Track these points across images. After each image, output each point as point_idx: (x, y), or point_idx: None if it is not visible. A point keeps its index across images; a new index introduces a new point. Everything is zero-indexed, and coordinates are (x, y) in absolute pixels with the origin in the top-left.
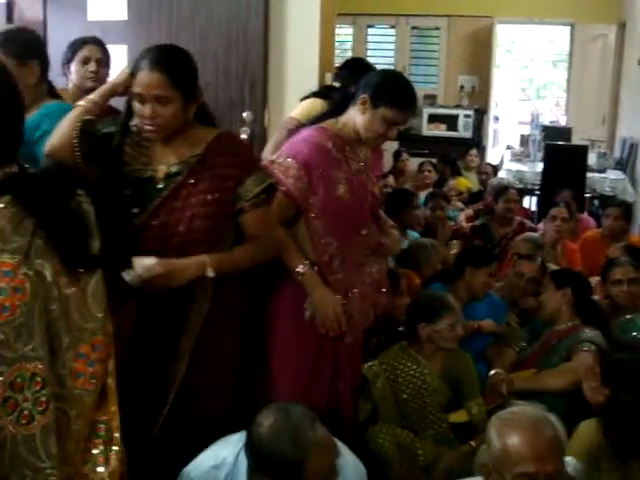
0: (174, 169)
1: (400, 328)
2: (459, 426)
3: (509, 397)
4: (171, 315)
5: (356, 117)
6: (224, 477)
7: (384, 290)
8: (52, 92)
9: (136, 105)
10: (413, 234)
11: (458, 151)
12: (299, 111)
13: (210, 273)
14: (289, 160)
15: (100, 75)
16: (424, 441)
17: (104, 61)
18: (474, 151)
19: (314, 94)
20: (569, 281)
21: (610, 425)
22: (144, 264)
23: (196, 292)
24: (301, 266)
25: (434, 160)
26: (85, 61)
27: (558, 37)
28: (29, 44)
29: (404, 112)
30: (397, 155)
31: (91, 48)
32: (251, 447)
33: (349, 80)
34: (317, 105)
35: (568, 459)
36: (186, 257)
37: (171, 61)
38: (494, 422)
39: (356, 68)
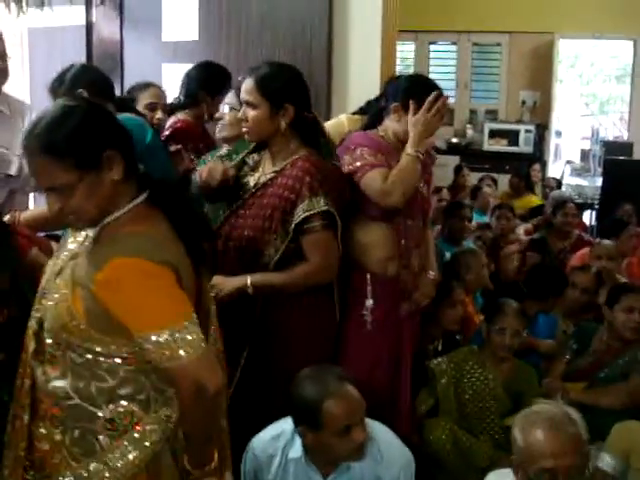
0: (262, 179)
1: (457, 336)
2: None
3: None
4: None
5: (393, 126)
6: (282, 446)
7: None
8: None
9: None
10: (469, 243)
11: (519, 166)
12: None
13: (249, 289)
14: (358, 149)
15: None
16: (482, 444)
17: None
18: (537, 166)
19: (359, 111)
20: None
21: None
22: None
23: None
24: None
25: (495, 175)
26: None
27: (621, 52)
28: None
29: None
30: (458, 170)
31: None
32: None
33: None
34: (343, 122)
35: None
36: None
37: (264, 71)
38: (518, 420)
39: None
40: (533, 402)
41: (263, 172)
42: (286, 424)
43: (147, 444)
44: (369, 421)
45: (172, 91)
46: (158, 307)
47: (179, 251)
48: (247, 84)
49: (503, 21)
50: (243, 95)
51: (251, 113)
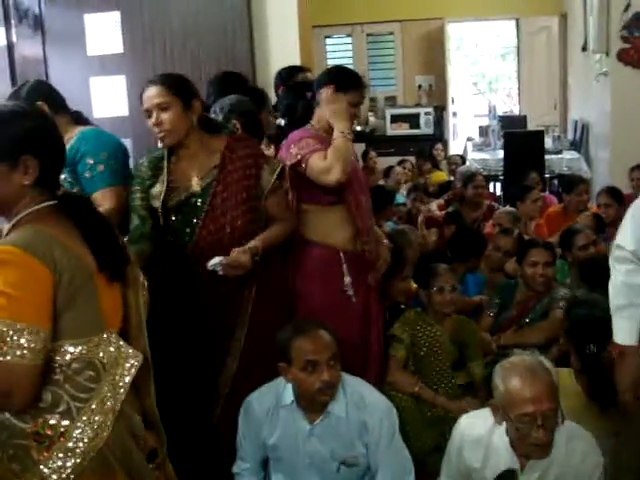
0: (204, 183)
1: (402, 306)
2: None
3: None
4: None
5: (323, 115)
6: (275, 395)
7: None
8: (80, 120)
9: (148, 123)
10: (390, 225)
11: (422, 147)
12: None
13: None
14: (303, 140)
15: None
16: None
17: None
18: (439, 145)
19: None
20: None
21: (582, 376)
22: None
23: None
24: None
25: (410, 158)
26: None
27: (504, 32)
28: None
29: (362, 91)
30: (365, 154)
31: None
32: None
33: (218, 94)
34: None
35: None
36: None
37: (164, 76)
38: (498, 370)
39: (226, 82)
40: (474, 351)
41: (198, 174)
42: (280, 378)
43: (78, 451)
44: (348, 376)
45: (101, 103)
46: (20, 299)
47: (78, 258)
48: (152, 90)
49: (394, 10)
50: (152, 102)
51: (165, 116)
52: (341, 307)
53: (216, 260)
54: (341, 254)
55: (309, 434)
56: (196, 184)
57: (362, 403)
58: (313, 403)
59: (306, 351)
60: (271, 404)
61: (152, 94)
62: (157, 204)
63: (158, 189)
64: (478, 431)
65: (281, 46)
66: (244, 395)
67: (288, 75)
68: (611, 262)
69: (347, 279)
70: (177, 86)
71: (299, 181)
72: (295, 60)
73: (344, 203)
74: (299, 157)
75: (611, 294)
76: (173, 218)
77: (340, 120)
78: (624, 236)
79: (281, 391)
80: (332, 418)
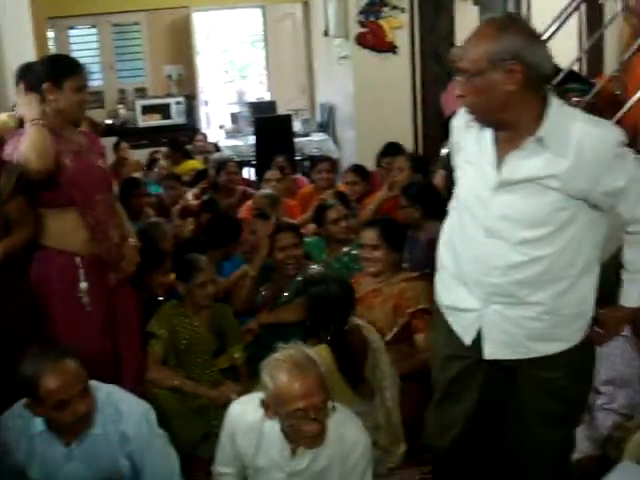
0: None
1: (160, 298)
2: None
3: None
4: None
5: (51, 107)
6: (24, 426)
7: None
8: None
9: None
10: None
11: (174, 137)
12: None
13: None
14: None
15: None
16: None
17: None
18: (200, 136)
19: None
20: None
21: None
22: None
23: None
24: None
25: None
26: None
27: (251, 19)
28: None
29: (82, 74)
30: (116, 146)
31: None
32: None
33: None
34: (6, 120)
35: None
36: None
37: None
38: (265, 367)
39: None
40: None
41: None
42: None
43: None
44: (98, 385)
45: None
46: None
47: None
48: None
49: (139, 0)
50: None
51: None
52: (78, 316)
53: None
54: (77, 259)
55: (67, 458)
56: None
57: (117, 414)
58: (67, 429)
59: (56, 392)
60: (20, 434)
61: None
62: None
63: None
64: (250, 418)
65: (14, 41)
66: None
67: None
68: None
69: (83, 285)
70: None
71: (29, 184)
72: (30, 55)
73: (76, 204)
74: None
75: None
76: None
77: (29, 109)
78: None
79: (28, 419)
80: (89, 437)
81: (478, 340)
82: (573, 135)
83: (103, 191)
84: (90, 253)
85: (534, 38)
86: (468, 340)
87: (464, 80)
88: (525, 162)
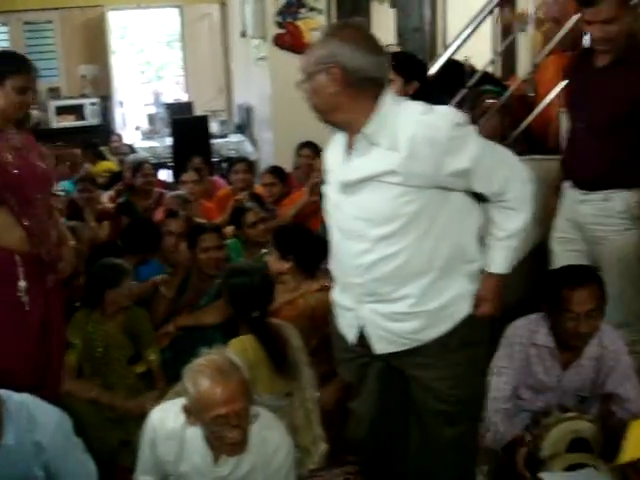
0: None
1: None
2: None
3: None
4: None
5: None
6: None
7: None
8: None
9: None
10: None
11: (90, 138)
12: None
13: None
14: None
15: None
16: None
17: None
18: (116, 137)
19: None
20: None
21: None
22: None
23: None
24: None
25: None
26: None
27: (168, 19)
28: None
29: (29, 74)
30: None
31: None
32: None
33: None
34: None
35: None
36: None
37: None
38: (187, 372)
39: None
40: (147, 339)
41: None
42: None
43: None
44: (9, 394)
45: None
46: None
47: None
48: None
49: None
50: None
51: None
52: (18, 315)
53: None
54: (16, 257)
55: None
56: None
57: (31, 424)
58: None
59: None
60: None
61: None
62: None
63: None
64: (171, 425)
65: None
66: None
67: None
68: None
69: (22, 284)
70: None
71: None
72: None
73: (8, 202)
74: None
75: None
76: None
77: None
78: None
79: None
80: (2, 449)
81: (366, 337)
82: (405, 128)
83: (43, 190)
84: (29, 252)
85: (359, 44)
86: (352, 338)
87: (303, 84)
88: (360, 161)
